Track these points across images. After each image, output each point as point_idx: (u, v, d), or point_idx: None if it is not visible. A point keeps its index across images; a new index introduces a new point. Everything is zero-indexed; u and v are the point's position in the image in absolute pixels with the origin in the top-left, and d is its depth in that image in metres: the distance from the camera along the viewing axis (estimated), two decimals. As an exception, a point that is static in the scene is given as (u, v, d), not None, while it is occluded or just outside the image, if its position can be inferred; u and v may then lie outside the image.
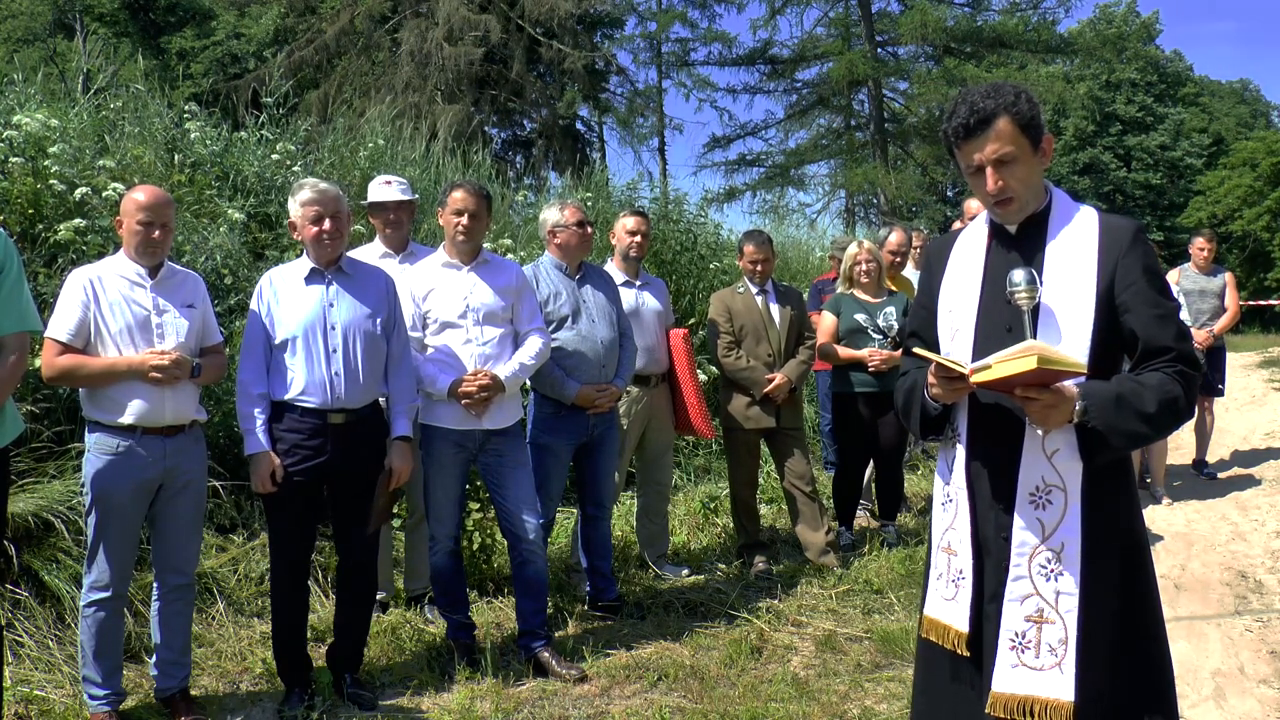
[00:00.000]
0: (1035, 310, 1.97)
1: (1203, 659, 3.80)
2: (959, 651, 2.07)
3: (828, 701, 3.40)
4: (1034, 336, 1.95)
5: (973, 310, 2.08)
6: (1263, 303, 27.09)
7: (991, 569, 2.04)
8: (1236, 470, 7.30)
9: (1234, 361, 12.38)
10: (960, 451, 2.09)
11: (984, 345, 2.03)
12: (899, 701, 3.38)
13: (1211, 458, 7.35)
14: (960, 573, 2.08)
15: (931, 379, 2.03)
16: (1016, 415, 1.98)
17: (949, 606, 2.10)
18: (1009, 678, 1.98)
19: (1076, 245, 2.01)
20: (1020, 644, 1.98)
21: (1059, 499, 1.95)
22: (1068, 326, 1.97)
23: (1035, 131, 1.99)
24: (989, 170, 1.99)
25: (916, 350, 2.10)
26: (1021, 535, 1.98)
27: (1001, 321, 2.04)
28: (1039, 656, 1.96)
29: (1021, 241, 2.08)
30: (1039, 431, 1.95)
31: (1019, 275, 1.96)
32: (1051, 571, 1.96)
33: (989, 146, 1.97)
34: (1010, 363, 1.82)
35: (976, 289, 2.10)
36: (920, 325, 2.27)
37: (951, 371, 1.96)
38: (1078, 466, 1.94)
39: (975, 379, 1.88)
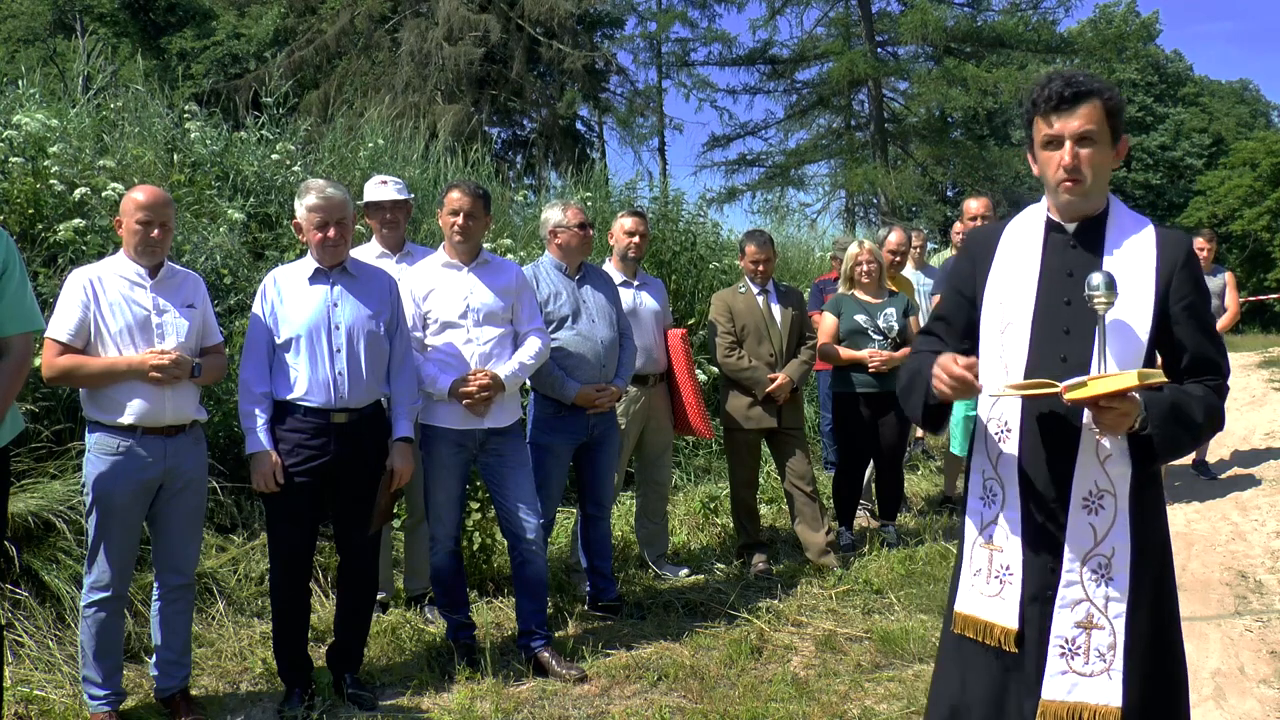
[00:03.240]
0: (1105, 315, 1.96)
1: (1203, 659, 3.79)
2: (1005, 648, 2.05)
3: (828, 701, 3.40)
4: (1104, 343, 1.94)
5: (1029, 309, 2.06)
6: (1263, 298, 27.10)
7: (1039, 569, 2.03)
8: (1236, 470, 7.30)
9: (1234, 361, 12.35)
10: (1008, 448, 2.07)
11: (1040, 346, 2.03)
12: (899, 701, 3.38)
13: (1211, 458, 7.35)
14: (1006, 569, 2.06)
15: (940, 376, 1.99)
16: (1071, 420, 1.98)
17: (993, 604, 2.08)
18: (1059, 684, 1.98)
19: (1136, 254, 2.02)
20: (1070, 649, 1.98)
21: (1110, 504, 1.97)
22: (1128, 333, 1.99)
23: (1118, 125, 2.02)
24: (1069, 144, 1.99)
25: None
26: (1075, 540, 1.99)
27: (1059, 324, 2.03)
28: (1088, 662, 1.97)
29: (1079, 243, 2.07)
30: (1096, 437, 1.96)
31: (1098, 279, 1.91)
32: (1102, 577, 1.97)
33: (1077, 121, 1.98)
34: (1110, 380, 1.82)
35: (1032, 287, 2.07)
36: (951, 311, 2.24)
37: (970, 379, 1.94)
38: (1127, 472, 1.96)
39: (1070, 396, 1.86)
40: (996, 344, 2.09)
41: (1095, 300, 1.92)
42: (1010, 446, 2.07)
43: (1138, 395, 1.90)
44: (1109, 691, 1.94)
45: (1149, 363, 1.98)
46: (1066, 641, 1.99)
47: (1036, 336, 2.04)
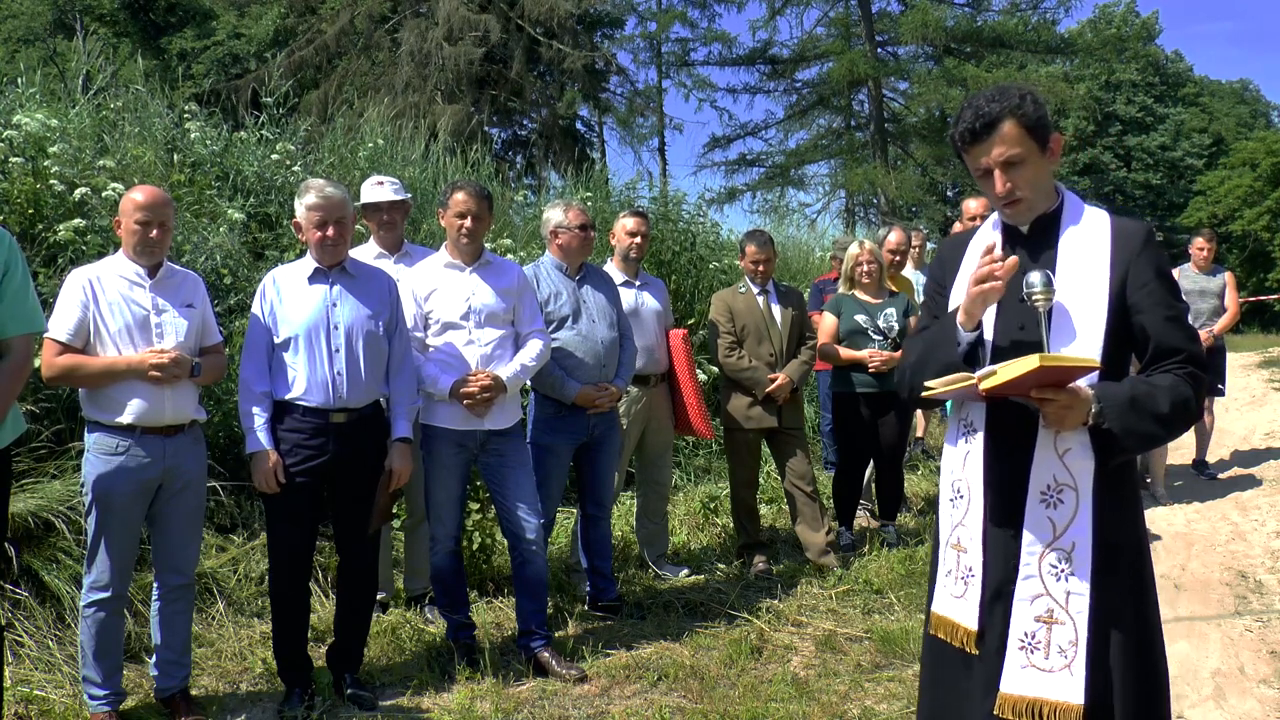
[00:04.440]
0: (1049, 312, 1.97)
1: (1203, 659, 3.79)
2: (967, 649, 2.06)
3: (828, 701, 3.40)
4: (1048, 337, 1.95)
5: (989, 311, 2.08)
6: (1263, 298, 27.11)
7: (1000, 567, 2.03)
8: (1236, 470, 7.30)
9: (1234, 361, 12.38)
10: (973, 448, 2.08)
11: (998, 342, 2.04)
12: (899, 701, 3.38)
13: (1211, 458, 7.35)
14: (969, 570, 2.07)
15: (971, 288, 1.99)
16: (1030, 414, 1.97)
17: (958, 604, 2.09)
18: (1018, 678, 1.97)
19: (1089, 246, 2.02)
20: (1030, 644, 1.97)
21: (1070, 499, 1.95)
22: (1081, 326, 1.97)
23: (1042, 132, 1.99)
24: (997, 173, 1.99)
25: (928, 383, 2.04)
26: (1032, 534, 1.98)
27: (1015, 320, 2.05)
28: (1049, 658, 1.95)
29: (1033, 241, 2.08)
30: (1051, 431, 1.95)
31: (1035, 277, 1.94)
32: (1062, 572, 1.95)
33: (995, 150, 1.98)
34: (1014, 365, 1.82)
35: None
36: (939, 311, 2.25)
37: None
38: (1089, 466, 1.94)
39: (983, 386, 1.87)
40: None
41: (1034, 298, 1.95)
42: (975, 446, 2.08)
43: (1089, 389, 1.90)
44: (1070, 688, 1.92)
45: (1109, 353, 1.95)
46: (1026, 636, 1.97)
47: (995, 335, 2.06)
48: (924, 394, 2.05)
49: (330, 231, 3.40)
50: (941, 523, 2.18)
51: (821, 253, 11.48)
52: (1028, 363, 1.79)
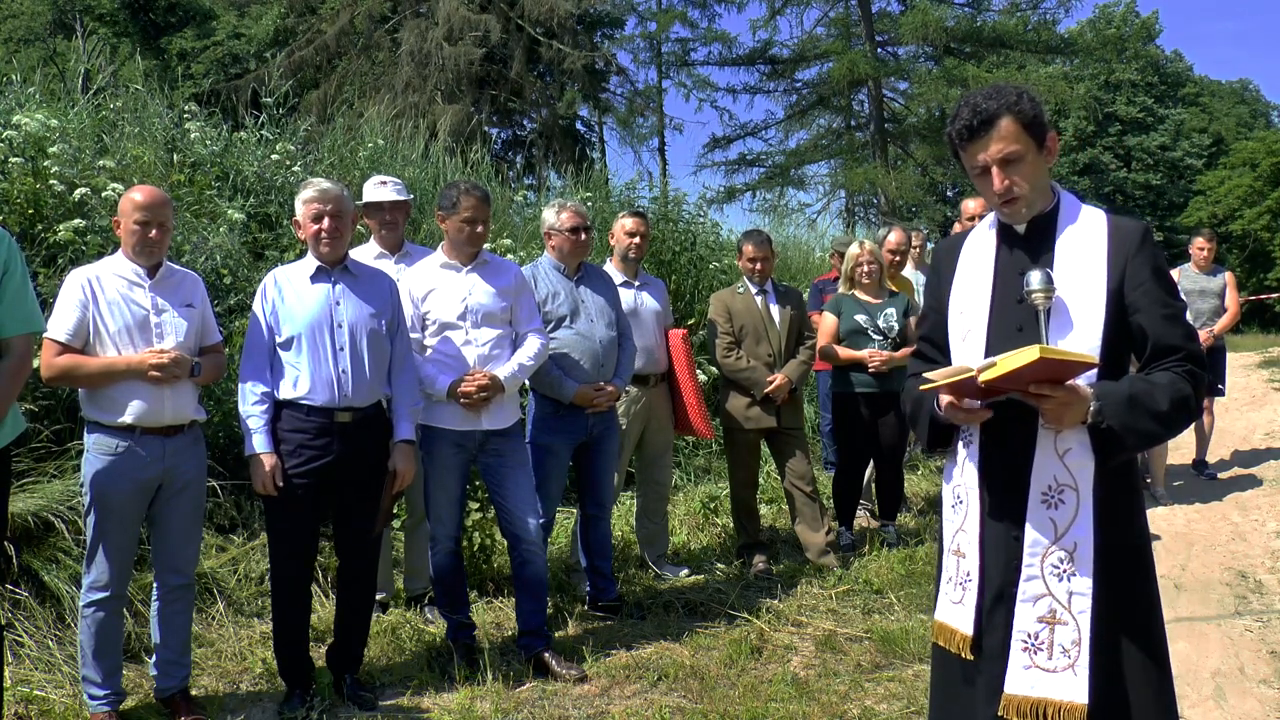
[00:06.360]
0: (1048, 311, 1.97)
1: (1203, 659, 3.79)
2: (963, 655, 2.05)
3: (828, 701, 3.40)
4: (1047, 337, 1.95)
5: (985, 311, 2.08)
6: (1263, 298, 27.11)
7: (999, 570, 2.03)
8: (1236, 470, 7.30)
9: (1234, 361, 12.38)
10: (972, 452, 2.07)
11: (996, 345, 2.03)
12: (899, 701, 3.38)
13: (1211, 458, 7.35)
14: (968, 575, 2.07)
15: (947, 400, 2.01)
16: (1029, 416, 1.97)
17: (956, 610, 2.09)
18: (1021, 679, 1.97)
19: (1086, 245, 2.02)
20: (1033, 645, 1.96)
21: (1071, 499, 1.95)
22: (1079, 325, 1.97)
23: (1039, 130, 2.00)
24: (995, 170, 1.99)
25: (926, 374, 2.05)
26: (1033, 536, 1.97)
27: (1013, 321, 2.04)
28: (1052, 658, 1.94)
29: (1030, 241, 2.08)
30: (1051, 431, 1.95)
31: (1035, 277, 1.95)
32: (1064, 572, 1.95)
33: (994, 146, 1.98)
34: (1014, 357, 1.82)
35: (988, 290, 2.09)
36: (932, 329, 2.26)
37: (962, 387, 1.94)
38: (1090, 466, 1.93)
39: (983, 378, 1.87)
40: (960, 350, 2.11)
41: (1034, 297, 1.95)
42: (974, 450, 2.07)
43: (1088, 387, 1.90)
44: (1074, 688, 1.92)
45: (1107, 352, 1.95)
46: (1029, 637, 1.97)
47: (992, 337, 2.06)
48: (923, 388, 2.05)
49: (326, 224, 3.39)
50: (944, 530, 2.18)
51: (821, 253, 11.47)
52: (1028, 354, 1.79)
